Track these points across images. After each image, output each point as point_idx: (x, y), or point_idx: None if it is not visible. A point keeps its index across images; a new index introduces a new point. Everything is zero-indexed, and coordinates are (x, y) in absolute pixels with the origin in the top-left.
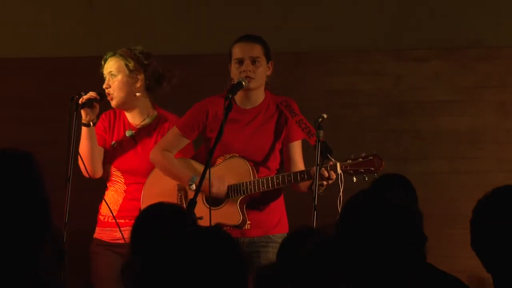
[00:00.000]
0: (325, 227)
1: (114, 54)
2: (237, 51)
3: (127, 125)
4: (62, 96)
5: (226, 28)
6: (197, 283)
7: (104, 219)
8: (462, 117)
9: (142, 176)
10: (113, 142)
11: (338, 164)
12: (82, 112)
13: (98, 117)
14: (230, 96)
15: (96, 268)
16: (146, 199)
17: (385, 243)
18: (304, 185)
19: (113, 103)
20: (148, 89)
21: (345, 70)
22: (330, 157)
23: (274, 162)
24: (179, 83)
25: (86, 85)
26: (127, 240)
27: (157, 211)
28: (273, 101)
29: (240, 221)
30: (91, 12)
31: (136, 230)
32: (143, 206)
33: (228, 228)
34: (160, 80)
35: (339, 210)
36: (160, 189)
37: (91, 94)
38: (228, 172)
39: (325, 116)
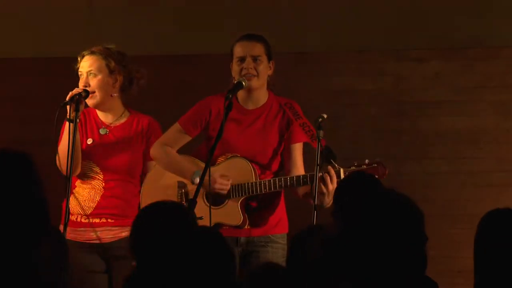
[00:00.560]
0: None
1: (93, 53)
2: (239, 50)
3: (99, 123)
4: (62, 96)
5: (226, 28)
6: (190, 281)
7: (76, 219)
8: (462, 117)
9: (121, 173)
10: (89, 139)
11: (341, 170)
12: (68, 107)
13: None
14: (230, 96)
15: (74, 272)
16: (146, 197)
17: (385, 243)
18: (302, 190)
19: (91, 102)
20: (122, 89)
21: (345, 70)
22: (333, 162)
23: (275, 164)
24: (179, 83)
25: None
26: (104, 241)
27: (157, 210)
28: (276, 102)
29: (241, 221)
30: (91, 12)
31: (136, 229)
32: (143, 204)
33: (228, 228)
34: (132, 81)
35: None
36: (160, 186)
37: (78, 90)
38: (230, 172)
39: (325, 116)
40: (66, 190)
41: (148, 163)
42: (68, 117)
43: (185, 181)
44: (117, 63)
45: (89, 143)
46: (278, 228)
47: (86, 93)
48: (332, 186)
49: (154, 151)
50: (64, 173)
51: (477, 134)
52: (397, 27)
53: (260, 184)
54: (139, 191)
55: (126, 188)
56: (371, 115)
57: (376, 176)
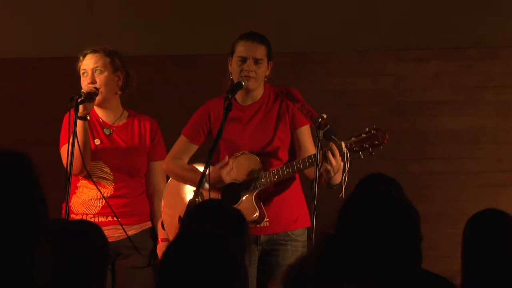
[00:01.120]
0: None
1: (96, 51)
2: (241, 49)
3: (102, 123)
4: (62, 96)
5: (226, 28)
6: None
7: (82, 218)
8: (461, 117)
9: (129, 173)
10: (96, 140)
11: (343, 143)
12: (81, 106)
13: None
14: (230, 96)
15: None
16: (167, 209)
17: (380, 242)
18: (312, 173)
19: (97, 99)
20: (122, 88)
21: (345, 70)
22: (335, 138)
23: (284, 153)
24: (179, 83)
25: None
26: (110, 239)
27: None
28: (273, 92)
29: (257, 215)
30: (91, 12)
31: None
32: (164, 217)
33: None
34: (128, 82)
35: (343, 189)
36: (179, 198)
37: (91, 87)
38: (239, 170)
39: (325, 116)
40: (67, 190)
41: (152, 163)
42: (79, 115)
43: (201, 190)
44: (120, 61)
45: (97, 143)
46: (297, 224)
47: (98, 91)
48: (335, 161)
49: (166, 166)
50: (75, 173)
51: (477, 134)
52: (397, 27)
53: (269, 174)
54: (144, 190)
55: (134, 187)
56: (371, 115)
57: (377, 142)
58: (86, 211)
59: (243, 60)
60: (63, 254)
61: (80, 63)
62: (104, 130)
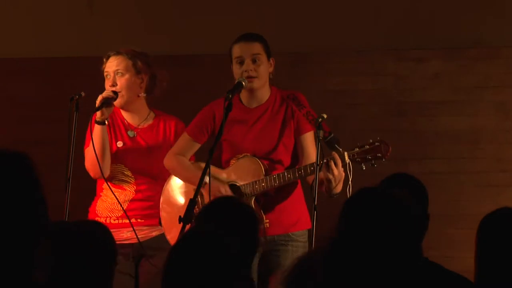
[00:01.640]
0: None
1: (119, 53)
2: (237, 51)
3: (126, 125)
4: (62, 96)
5: (226, 28)
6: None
7: (105, 221)
8: (461, 117)
9: (152, 176)
10: (119, 142)
11: (345, 153)
12: (98, 111)
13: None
14: (230, 96)
15: None
16: (165, 205)
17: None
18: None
19: (118, 102)
20: (147, 90)
21: (345, 70)
22: (338, 147)
23: (287, 158)
24: (179, 84)
25: (86, 85)
26: (134, 240)
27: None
28: (279, 96)
29: None
30: (91, 12)
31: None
32: (162, 213)
33: None
34: (156, 82)
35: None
36: (178, 195)
37: (109, 93)
38: (240, 172)
39: (325, 116)
40: (97, 191)
41: None
42: (96, 119)
43: (201, 189)
44: (143, 63)
45: (119, 146)
46: (298, 225)
47: (116, 95)
48: (337, 171)
49: (167, 161)
50: (94, 176)
51: (477, 134)
52: (397, 27)
53: (269, 179)
54: None
55: (156, 190)
56: (371, 115)
57: (380, 155)
58: (110, 214)
59: (241, 61)
60: (68, 254)
61: (104, 65)
62: (128, 132)
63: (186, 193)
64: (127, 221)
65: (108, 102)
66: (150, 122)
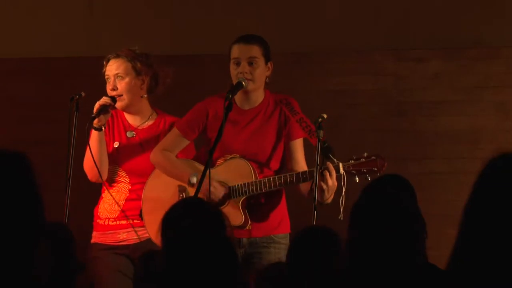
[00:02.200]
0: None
1: (118, 56)
2: (235, 51)
3: (127, 126)
4: (62, 96)
5: (226, 28)
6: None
7: (104, 222)
8: (461, 117)
9: (146, 175)
10: (115, 142)
11: (340, 165)
12: (95, 119)
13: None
14: (230, 96)
15: (101, 271)
16: (147, 202)
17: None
18: (305, 188)
19: (119, 105)
20: (149, 90)
21: (345, 70)
22: (332, 157)
23: (276, 162)
24: (179, 83)
25: (86, 85)
26: (130, 242)
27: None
28: (272, 100)
29: (243, 221)
30: (91, 12)
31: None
32: (144, 208)
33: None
34: (158, 81)
35: (341, 211)
36: (161, 191)
37: (106, 100)
38: (229, 173)
39: (325, 116)
40: (99, 193)
41: None
42: (94, 125)
43: (185, 185)
44: (143, 64)
45: (115, 146)
46: (280, 229)
47: (114, 101)
48: (331, 182)
49: (153, 156)
50: (91, 179)
51: (477, 134)
52: (397, 27)
53: (260, 183)
54: None
55: None
56: (371, 115)
57: (375, 169)
58: (109, 215)
59: (238, 63)
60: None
61: (104, 69)
62: (127, 133)
63: (168, 188)
64: (124, 222)
65: (105, 109)
66: (151, 122)
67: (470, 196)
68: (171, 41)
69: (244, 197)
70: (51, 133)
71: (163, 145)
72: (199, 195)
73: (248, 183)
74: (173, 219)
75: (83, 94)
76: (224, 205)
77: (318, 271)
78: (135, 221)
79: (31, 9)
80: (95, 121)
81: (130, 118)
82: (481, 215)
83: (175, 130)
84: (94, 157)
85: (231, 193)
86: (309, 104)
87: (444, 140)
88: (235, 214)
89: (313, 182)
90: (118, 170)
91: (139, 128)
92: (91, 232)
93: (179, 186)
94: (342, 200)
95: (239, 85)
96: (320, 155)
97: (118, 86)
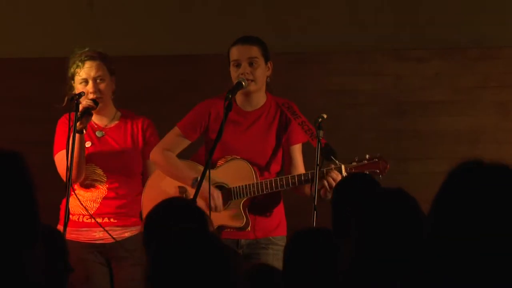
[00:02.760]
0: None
1: (93, 58)
2: (234, 53)
3: (94, 126)
4: (62, 96)
5: (226, 28)
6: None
7: (78, 219)
8: (461, 117)
9: (123, 173)
10: (87, 142)
11: (343, 167)
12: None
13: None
14: (230, 96)
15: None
16: (147, 202)
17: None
18: (307, 189)
19: (99, 106)
20: (113, 92)
21: (345, 70)
22: (334, 159)
23: (275, 165)
24: (179, 83)
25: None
26: (106, 241)
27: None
28: (274, 102)
29: (244, 223)
30: (91, 12)
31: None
32: (144, 210)
33: (231, 230)
34: (115, 81)
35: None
36: (161, 191)
37: (88, 103)
38: (230, 174)
39: (325, 116)
40: (65, 191)
41: (147, 161)
42: (76, 128)
43: (186, 186)
44: (111, 65)
45: (88, 146)
46: (278, 231)
47: (96, 104)
48: (335, 184)
49: (154, 155)
50: (74, 180)
51: (477, 134)
52: (397, 27)
53: (261, 185)
54: (141, 191)
55: (129, 187)
56: (371, 115)
57: (377, 171)
58: (83, 212)
59: (238, 64)
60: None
61: (77, 69)
62: (97, 132)
63: (169, 189)
64: (100, 220)
65: (88, 112)
66: (117, 121)
67: (431, 208)
68: (171, 41)
69: (245, 199)
70: (51, 133)
71: (163, 145)
72: (198, 199)
73: (249, 185)
74: (154, 221)
75: (83, 94)
76: (226, 207)
77: (314, 273)
78: (112, 220)
79: (31, 9)
80: (78, 124)
81: (96, 119)
82: (442, 227)
83: (176, 130)
84: (75, 159)
85: (230, 194)
86: (309, 104)
87: (444, 140)
88: (236, 216)
89: (312, 184)
90: (95, 169)
91: (106, 127)
92: None
93: (180, 187)
94: None
95: (239, 85)
96: (321, 156)
97: (100, 88)
